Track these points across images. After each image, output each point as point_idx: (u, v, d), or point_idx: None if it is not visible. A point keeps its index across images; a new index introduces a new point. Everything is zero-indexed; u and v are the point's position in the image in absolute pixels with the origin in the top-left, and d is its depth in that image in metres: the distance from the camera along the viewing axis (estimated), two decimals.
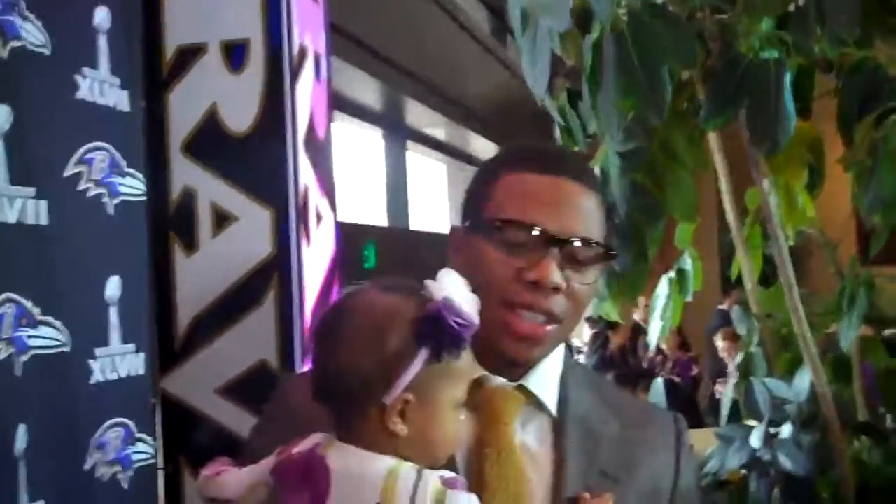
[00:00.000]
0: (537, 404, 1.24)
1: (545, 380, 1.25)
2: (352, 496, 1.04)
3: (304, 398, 1.14)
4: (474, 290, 1.11)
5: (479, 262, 1.20)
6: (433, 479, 1.04)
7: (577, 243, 1.19)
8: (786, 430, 3.20)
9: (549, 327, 1.20)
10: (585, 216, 1.22)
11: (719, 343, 7.56)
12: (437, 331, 1.05)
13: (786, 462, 3.09)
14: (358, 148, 7.52)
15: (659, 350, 8.39)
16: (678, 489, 1.31)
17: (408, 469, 1.04)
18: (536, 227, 1.18)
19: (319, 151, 2.48)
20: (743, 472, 3.29)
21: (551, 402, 1.26)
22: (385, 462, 1.05)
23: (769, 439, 3.17)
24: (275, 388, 1.33)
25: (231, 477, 1.15)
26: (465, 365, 1.12)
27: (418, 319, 1.05)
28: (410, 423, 1.06)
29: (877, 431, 3.32)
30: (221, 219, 2.33)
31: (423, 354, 1.06)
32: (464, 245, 1.25)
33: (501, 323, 1.17)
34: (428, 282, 1.09)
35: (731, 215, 3.37)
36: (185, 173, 2.34)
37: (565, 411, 1.26)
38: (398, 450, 1.06)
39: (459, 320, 1.05)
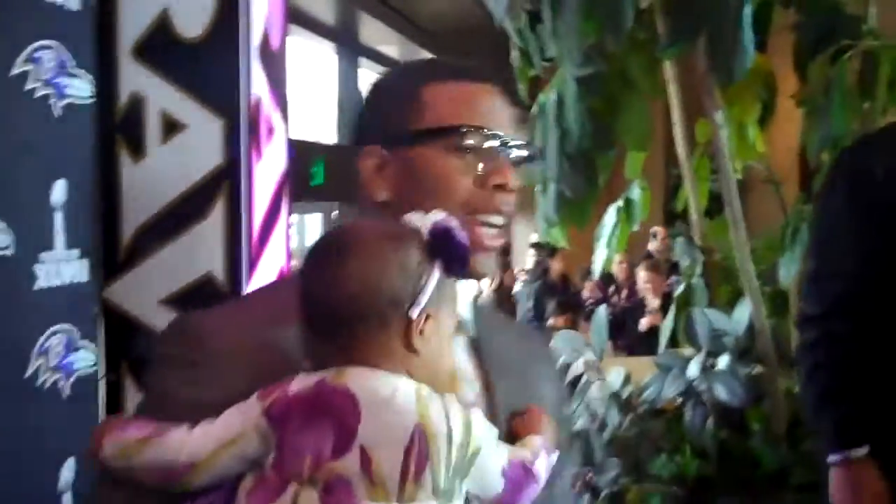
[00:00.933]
0: (459, 323, 1.24)
1: (464, 299, 1.25)
2: (388, 420, 1.00)
3: (228, 339, 1.11)
4: (426, 203, 1.11)
5: (431, 172, 1.17)
6: (453, 398, 1.04)
7: (517, 146, 1.21)
8: (723, 361, 3.27)
9: (502, 238, 1.21)
10: (512, 120, 1.24)
11: (641, 274, 7.62)
12: (449, 245, 1.06)
13: (721, 392, 3.17)
14: (310, 63, 7.41)
15: (611, 278, 8.48)
16: (559, 399, 1.36)
17: (429, 390, 1.04)
18: (490, 130, 1.18)
19: (273, 62, 2.44)
20: (679, 400, 3.37)
21: (469, 321, 1.26)
22: (410, 383, 1.03)
23: (706, 369, 3.24)
24: (175, 330, 1.19)
25: (180, 435, 1.05)
26: (460, 288, 1.12)
27: (431, 234, 1.06)
28: (425, 343, 1.05)
29: None
30: (170, 126, 2.28)
31: (437, 269, 1.05)
32: (396, 161, 1.19)
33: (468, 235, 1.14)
34: (411, 214, 1.09)
35: (681, 146, 3.39)
36: (135, 78, 2.29)
37: (478, 332, 1.26)
38: (411, 372, 1.05)
39: (465, 236, 1.07)
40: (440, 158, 1.17)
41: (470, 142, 1.17)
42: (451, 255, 1.06)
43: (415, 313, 1.04)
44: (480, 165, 1.17)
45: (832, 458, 2.07)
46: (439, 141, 1.17)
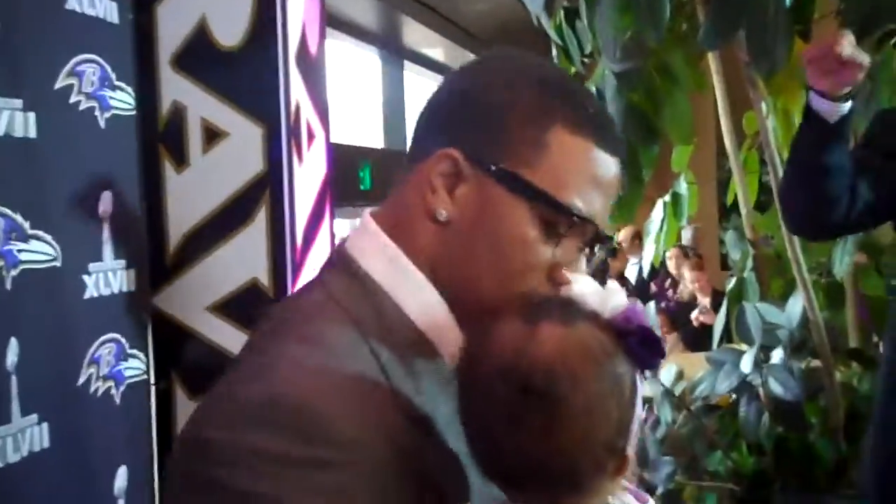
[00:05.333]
0: None
1: None
2: None
3: (360, 421, 0.89)
4: (471, 251, 0.97)
5: (511, 229, 0.97)
6: None
7: (603, 246, 1.07)
8: (776, 356, 3.22)
9: None
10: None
11: (687, 274, 7.51)
12: (650, 348, 0.92)
13: (776, 387, 3.12)
14: (355, 68, 7.45)
15: (668, 274, 8.40)
16: None
17: None
18: (594, 226, 1.00)
19: (312, 68, 2.45)
20: (733, 396, 3.32)
21: None
22: None
23: (760, 364, 3.19)
24: (283, 423, 0.87)
25: None
26: None
27: (628, 345, 0.90)
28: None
29: (867, 358, 3.35)
30: (212, 135, 2.30)
31: (639, 381, 0.93)
32: (475, 186, 0.98)
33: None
34: (582, 293, 0.95)
35: (728, 139, 3.35)
36: (175, 88, 2.31)
37: None
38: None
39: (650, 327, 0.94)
40: (528, 223, 0.97)
41: (572, 234, 0.99)
42: (650, 360, 0.92)
43: (631, 449, 0.93)
44: (559, 253, 1.00)
45: None
46: (539, 205, 0.97)
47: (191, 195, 2.33)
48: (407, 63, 7.72)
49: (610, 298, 0.93)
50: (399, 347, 0.97)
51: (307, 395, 0.88)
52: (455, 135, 0.99)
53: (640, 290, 8.72)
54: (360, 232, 1.05)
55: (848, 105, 2.12)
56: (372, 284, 1.00)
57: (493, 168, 0.97)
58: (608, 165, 1.00)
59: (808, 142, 2.19)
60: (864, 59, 2.07)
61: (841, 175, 2.16)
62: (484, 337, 0.92)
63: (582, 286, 0.96)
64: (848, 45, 2.04)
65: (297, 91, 2.35)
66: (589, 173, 0.98)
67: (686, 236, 10.22)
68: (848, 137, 2.16)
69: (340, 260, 1.04)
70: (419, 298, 1.00)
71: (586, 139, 0.98)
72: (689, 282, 7.46)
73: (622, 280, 9.09)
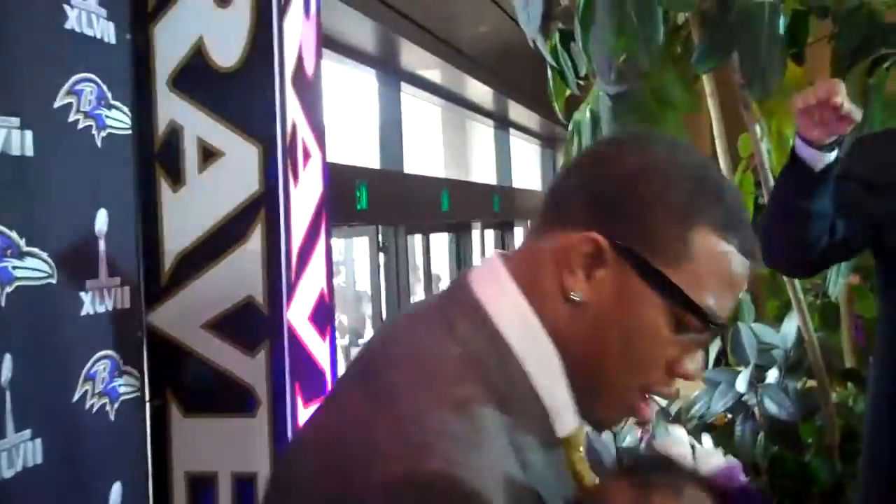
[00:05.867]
0: None
1: None
2: None
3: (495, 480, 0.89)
4: (602, 336, 0.98)
5: (645, 321, 0.98)
6: None
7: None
8: (772, 375, 3.23)
9: None
10: None
11: None
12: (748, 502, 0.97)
13: (771, 406, 3.13)
14: (352, 90, 7.48)
15: None
16: None
17: None
18: (724, 326, 1.03)
19: (308, 89, 2.47)
20: (729, 416, 3.32)
21: None
22: None
23: (755, 384, 3.20)
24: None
25: None
26: None
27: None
28: None
29: (863, 379, 3.35)
30: (208, 154, 2.32)
31: None
32: (615, 271, 0.98)
33: (629, 405, 1.02)
34: (683, 454, 0.99)
35: (722, 160, 3.37)
36: (172, 108, 2.33)
37: None
38: None
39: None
40: (662, 319, 0.98)
41: (702, 336, 1.01)
42: None
43: None
44: (684, 348, 1.01)
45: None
46: (676, 303, 0.98)
47: (186, 214, 2.34)
48: (404, 84, 7.76)
49: (709, 458, 0.96)
50: (525, 422, 0.97)
51: (469, 488, 0.86)
52: (601, 217, 0.99)
53: None
54: (488, 276, 1.03)
55: (833, 154, 2.09)
56: (504, 347, 0.99)
57: (638, 261, 0.97)
58: (744, 267, 1.01)
59: (792, 186, 2.17)
60: (858, 115, 2.04)
61: (822, 219, 2.15)
62: None
63: (680, 445, 0.98)
64: (844, 98, 2.01)
65: (294, 111, 2.37)
66: (726, 275, 0.99)
67: None
68: (830, 183, 2.14)
69: (465, 299, 1.02)
70: (548, 373, 0.99)
71: (729, 242, 0.99)
72: None
73: None
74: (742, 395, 3.19)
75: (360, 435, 0.91)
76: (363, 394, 0.96)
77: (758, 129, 3.14)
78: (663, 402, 3.22)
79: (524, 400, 0.98)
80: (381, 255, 7.26)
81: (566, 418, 1.01)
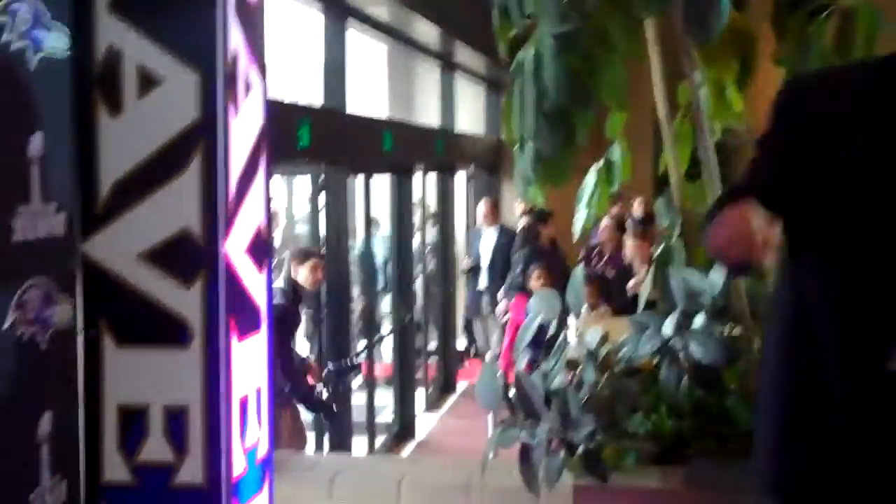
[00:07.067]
0: None
1: None
2: None
3: None
4: None
5: None
6: None
7: None
8: (698, 321, 3.29)
9: None
10: None
11: (628, 242, 7.63)
12: None
13: (696, 351, 3.19)
14: (297, 25, 7.38)
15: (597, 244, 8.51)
16: None
17: None
18: None
19: (251, 18, 2.44)
20: (655, 360, 3.39)
21: None
22: None
23: (682, 329, 3.26)
24: None
25: None
26: None
27: None
28: None
29: None
30: (147, 81, 2.29)
31: None
32: None
33: None
34: None
35: (661, 107, 3.41)
36: (112, 32, 2.28)
37: None
38: None
39: None
40: None
41: None
42: None
43: None
44: None
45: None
46: None
47: (124, 142, 2.31)
48: (351, 21, 7.66)
49: None
50: None
51: None
52: None
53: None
54: None
55: None
56: None
57: None
58: None
59: None
60: (776, 240, 1.92)
61: None
62: None
63: None
64: (760, 225, 1.78)
65: (235, 40, 2.34)
66: None
67: (636, 207, 10.38)
68: None
69: None
70: None
71: None
72: (629, 249, 7.55)
73: (554, 246, 9.21)
74: (668, 340, 3.25)
75: None
76: None
77: (697, 75, 3.17)
78: (592, 346, 3.28)
79: None
80: (323, 195, 7.21)
81: None
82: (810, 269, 1.95)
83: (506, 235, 9.62)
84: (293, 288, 5.90)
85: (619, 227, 8.63)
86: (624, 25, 3.06)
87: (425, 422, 9.56)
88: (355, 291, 8.60)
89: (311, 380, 6.06)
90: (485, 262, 9.70)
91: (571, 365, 3.27)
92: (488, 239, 9.74)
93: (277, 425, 5.75)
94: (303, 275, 5.95)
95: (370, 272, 8.92)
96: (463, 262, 10.30)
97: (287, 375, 5.63)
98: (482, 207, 9.91)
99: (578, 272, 3.48)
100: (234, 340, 2.35)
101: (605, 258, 8.33)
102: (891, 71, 1.93)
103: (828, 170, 1.88)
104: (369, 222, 8.64)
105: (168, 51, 2.27)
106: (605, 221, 8.21)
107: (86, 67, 2.29)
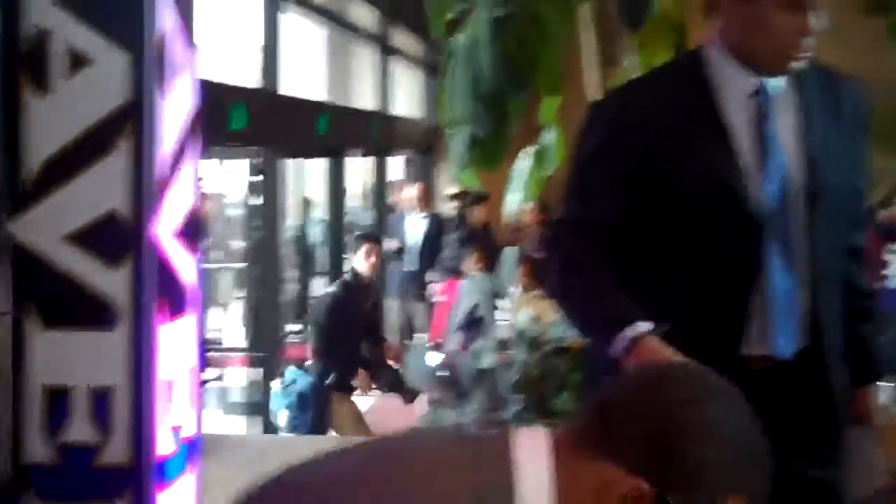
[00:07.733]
0: None
1: None
2: None
3: None
4: None
5: None
6: None
7: None
8: None
9: None
10: None
11: None
12: None
13: None
14: (233, 6, 7.31)
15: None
16: None
17: None
18: None
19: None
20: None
21: None
22: None
23: None
24: None
25: None
26: None
27: None
28: None
29: None
30: (77, 61, 2.26)
31: None
32: None
33: None
34: None
35: (594, 92, 3.44)
36: (39, 11, 2.25)
37: None
38: None
39: None
40: None
41: None
42: None
43: None
44: None
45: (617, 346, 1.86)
46: None
47: (52, 122, 2.27)
48: (287, 4, 7.59)
49: None
50: None
51: None
52: (653, 467, 1.07)
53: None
54: (533, 446, 1.10)
55: None
56: None
57: None
58: None
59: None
60: None
61: None
62: None
63: None
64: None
65: (165, 20, 2.32)
66: None
67: None
68: None
69: (497, 450, 1.10)
70: None
71: None
72: None
73: (486, 229, 9.26)
74: None
75: None
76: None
77: (631, 61, 3.21)
78: (521, 326, 3.32)
79: None
80: (258, 177, 7.16)
81: None
82: (657, 269, 2.00)
83: (436, 223, 9.48)
84: (354, 275, 6.04)
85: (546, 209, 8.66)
86: (560, 10, 3.08)
87: (362, 402, 9.58)
88: (288, 274, 8.56)
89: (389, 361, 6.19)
90: (413, 246, 9.57)
91: (502, 345, 3.31)
92: (416, 224, 9.59)
93: (340, 415, 5.82)
94: (358, 261, 6.07)
95: (304, 254, 8.89)
96: (389, 244, 10.23)
97: (350, 364, 5.70)
98: (414, 191, 9.77)
99: (508, 253, 3.51)
100: (162, 322, 2.34)
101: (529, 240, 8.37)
102: (685, 67, 2.01)
103: (665, 180, 1.95)
104: (306, 205, 8.60)
105: (98, 31, 2.24)
106: (533, 205, 8.26)
107: (13, 47, 2.25)
